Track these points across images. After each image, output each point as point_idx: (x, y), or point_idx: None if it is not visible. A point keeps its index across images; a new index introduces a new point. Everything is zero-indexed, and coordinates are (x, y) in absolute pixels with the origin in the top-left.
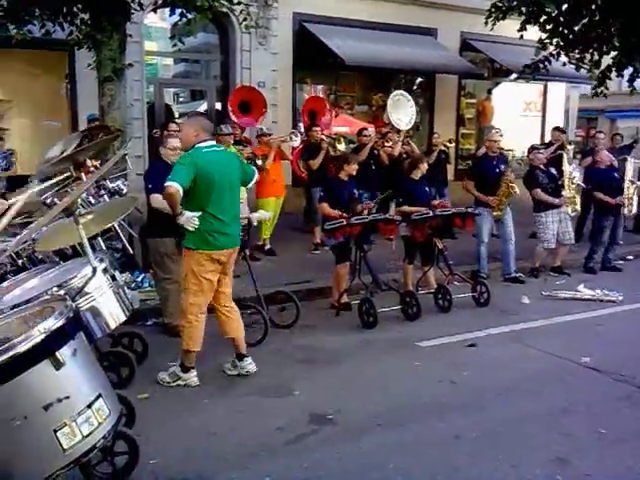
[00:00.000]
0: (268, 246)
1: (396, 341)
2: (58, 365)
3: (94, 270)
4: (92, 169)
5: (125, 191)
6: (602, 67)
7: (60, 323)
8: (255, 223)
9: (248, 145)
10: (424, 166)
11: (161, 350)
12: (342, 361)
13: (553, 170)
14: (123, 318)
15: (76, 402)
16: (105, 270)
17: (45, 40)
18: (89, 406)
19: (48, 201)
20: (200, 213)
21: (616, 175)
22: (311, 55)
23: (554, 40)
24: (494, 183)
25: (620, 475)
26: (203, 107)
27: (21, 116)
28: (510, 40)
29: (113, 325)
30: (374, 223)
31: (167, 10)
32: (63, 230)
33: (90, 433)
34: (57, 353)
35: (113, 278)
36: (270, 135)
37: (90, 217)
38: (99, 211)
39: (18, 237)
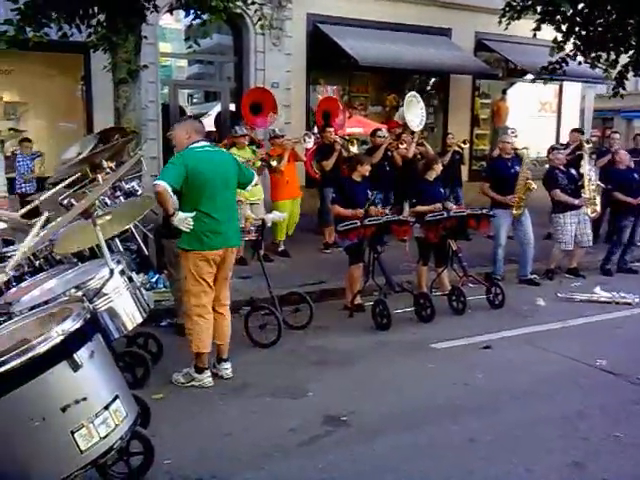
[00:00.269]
0: (282, 247)
1: (410, 343)
2: (76, 367)
3: (111, 272)
4: (108, 171)
5: (140, 192)
6: (619, 67)
7: (78, 325)
8: (269, 224)
9: (261, 146)
10: (439, 167)
11: (175, 351)
12: (356, 362)
13: (573, 171)
14: (140, 319)
15: (93, 404)
16: (122, 271)
17: (61, 42)
18: (106, 407)
19: (65, 202)
20: (194, 213)
21: (636, 176)
22: (325, 56)
23: (570, 40)
24: (510, 183)
25: (637, 479)
26: (217, 108)
27: (37, 118)
28: (525, 40)
29: (130, 326)
30: (388, 224)
31: (181, 11)
32: (80, 231)
33: (107, 434)
34: (75, 355)
35: (130, 279)
36: (283, 137)
37: (107, 218)
38: (116, 212)
39: (35, 238)
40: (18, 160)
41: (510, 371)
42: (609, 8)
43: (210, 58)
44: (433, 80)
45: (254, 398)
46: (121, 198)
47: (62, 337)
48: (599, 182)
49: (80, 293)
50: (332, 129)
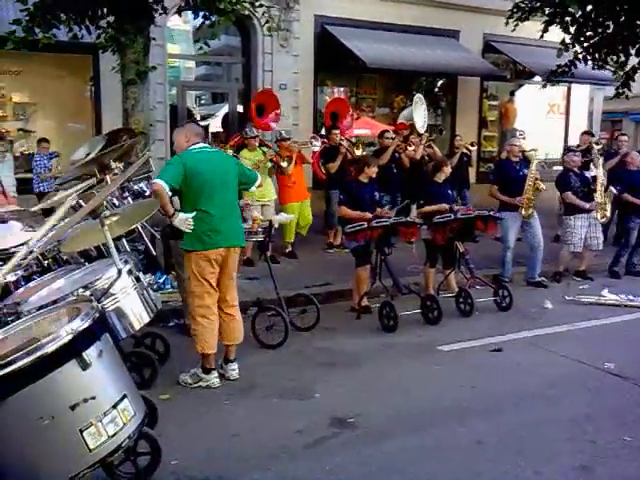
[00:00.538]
0: (289, 248)
1: (417, 345)
2: (85, 366)
3: (119, 272)
4: (116, 171)
5: (147, 193)
6: (626, 68)
7: (87, 324)
8: (276, 225)
9: (269, 148)
10: (448, 169)
11: (183, 351)
12: (362, 364)
13: (587, 173)
14: (147, 319)
15: (102, 402)
16: (130, 272)
17: (70, 43)
18: (114, 406)
19: (73, 202)
20: (195, 214)
21: None
22: (332, 57)
23: (578, 42)
24: (518, 186)
25: None
26: (224, 110)
27: (46, 118)
28: (533, 42)
29: (137, 326)
30: (395, 226)
31: (190, 13)
32: (88, 231)
33: (115, 433)
34: (84, 354)
35: (138, 279)
36: (289, 139)
37: (115, 219)
38: (124, 213)
39: (44, 237)
40: (36, 160)
41: (517, 373)
42: (617, 9)
43: (218, 59)
44: (441, 82)
45: (261, 399)
46: (129, 199)
47: (71, 336)
48: (611, 187)
49: (88, 293)
50: (338, 131)
